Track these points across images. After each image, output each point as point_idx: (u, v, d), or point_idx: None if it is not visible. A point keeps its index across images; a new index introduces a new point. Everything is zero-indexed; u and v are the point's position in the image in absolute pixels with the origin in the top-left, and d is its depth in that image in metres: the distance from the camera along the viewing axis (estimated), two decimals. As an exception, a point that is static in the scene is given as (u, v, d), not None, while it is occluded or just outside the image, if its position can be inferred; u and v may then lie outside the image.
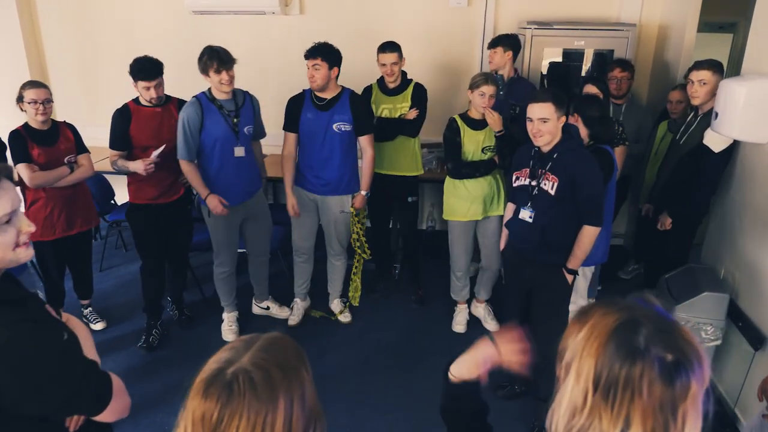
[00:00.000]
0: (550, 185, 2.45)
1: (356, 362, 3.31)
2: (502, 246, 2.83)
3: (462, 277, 3.51)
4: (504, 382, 2.98)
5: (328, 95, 3.17)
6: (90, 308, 3.64)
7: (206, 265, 4.14)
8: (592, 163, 2.43)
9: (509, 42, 3.64)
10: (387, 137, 3.47)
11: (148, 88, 2.99)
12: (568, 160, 2.42)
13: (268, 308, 3.69)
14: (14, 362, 1.05)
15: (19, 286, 1.20)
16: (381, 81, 3.50)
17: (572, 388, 0.82)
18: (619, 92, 3.69)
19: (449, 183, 3.33)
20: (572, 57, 4.00)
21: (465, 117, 3.19)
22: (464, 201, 3.26)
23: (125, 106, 3.10)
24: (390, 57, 3.32)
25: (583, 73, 4.00)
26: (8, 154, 2.97)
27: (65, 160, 3.06)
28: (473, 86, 3.09)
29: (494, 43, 3.64)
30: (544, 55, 3.91)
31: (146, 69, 2.96)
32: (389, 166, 3.55)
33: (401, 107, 3.43)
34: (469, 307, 3.63)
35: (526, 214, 2.55)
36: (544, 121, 2.37)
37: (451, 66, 4.50)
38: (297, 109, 3.20)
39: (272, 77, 4.62)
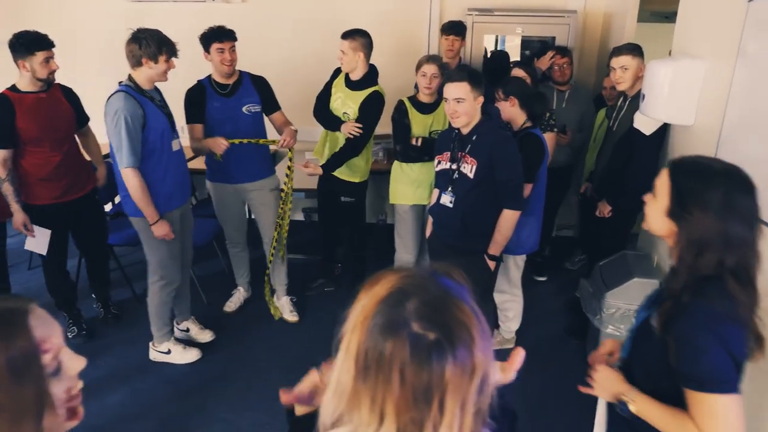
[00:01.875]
0: (469, 168, 2.36)
1: (288, 360, 3.18)
2: (427, 234, 2.74)
3: None
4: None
5: (231, 80, 3.04)
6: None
7: (138, 263, 3.97)
8: (510, 145, 2.35)
9: (464, 30, 3.60)
10: (325, 126, 3.33)
11: (48, 60, 2.75)
12: (487, 141, 2.33)
13: (187, 330, 3.26)
14: None
15: None
16: None
17: (341, 366, 0.70)
18: (563, 78, 3.64)
19: (396, 167, 3.23)
20: (515, 44, 3.95)
21: (413, 100, 3.11)
22: (410, 185, 3.16)
23: (2, 96, 2.74)
24: (342, 44, 3.09)
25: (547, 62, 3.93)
26: None
27: None
28: (417, 67, 3.02)
29: (456, 31, 3.53)
30: (485, 41, 3.83)
31: (41, 38, 2.72)
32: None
33: (350, 105, 3.19)
34: None
35: (446, 199, 2.45)
36: (459, 101, 2.28)
37: (399, 53, 4.39)
38: (201, 99, 3.02)
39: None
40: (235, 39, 2.97)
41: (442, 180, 2.50)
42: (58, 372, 0.74)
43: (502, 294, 2.97)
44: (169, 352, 3.09)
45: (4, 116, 2.72)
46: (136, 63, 2.59)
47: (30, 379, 0.69)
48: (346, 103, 3.22)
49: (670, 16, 5.62)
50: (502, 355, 1.00)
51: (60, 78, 3.00)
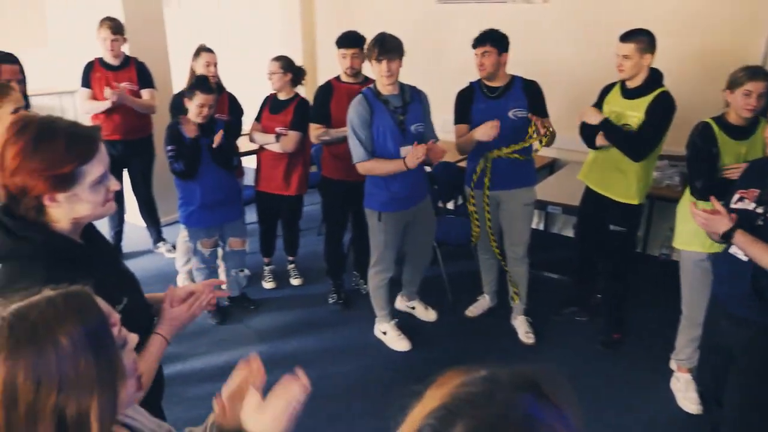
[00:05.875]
0: (784, 217, 1.72)
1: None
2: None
3: (699, 337, 2.48)
4: None
5: (498, 83, 2.99)
6: (293, 264, 4.01)
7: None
8: None
9: None
10: (593, 145, 2.94)
11: (348, 56, 3.21)
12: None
13: (413, 308, 3.54)
14: None
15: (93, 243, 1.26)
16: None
17: None
18: None
19: (689, 203, 2.60)
20: None
21: (721, 122, 2.45)
22: None
23: (328, 83, 3.34)
24: (623, 47, 2.71)
25: None
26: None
27: (276, 130, 3.45)
28: (734, 84, 2.38)
29: None
30: None
31: (348, 38, 3.21)
32: (599, 183, 2.99)
33: (631, 116, 2.77)
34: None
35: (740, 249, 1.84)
36: None
37: (713, 61, 3.56)
38: (467, 101, 3.05)
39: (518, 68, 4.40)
40: (488, 42, 2.89)
41: (738, 222, 1.88)
42: (124, 345, 0.79)
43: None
44: (385, 333, 3.29)
45: (322, 99, 3.29)
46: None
47: (105, 350, 0.73)
48: (623, 116, 2.80)
49: None
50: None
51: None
